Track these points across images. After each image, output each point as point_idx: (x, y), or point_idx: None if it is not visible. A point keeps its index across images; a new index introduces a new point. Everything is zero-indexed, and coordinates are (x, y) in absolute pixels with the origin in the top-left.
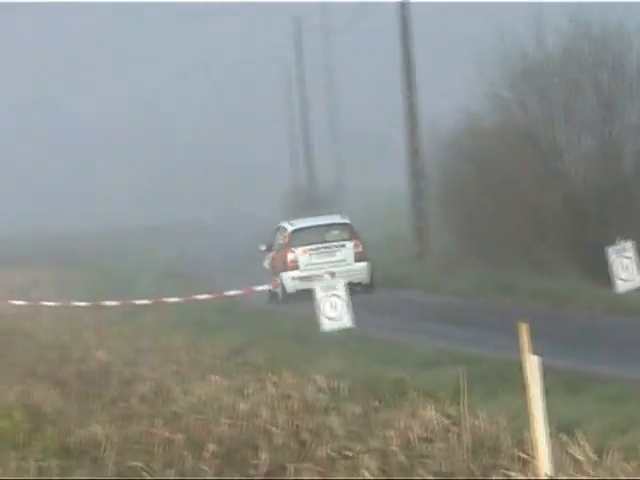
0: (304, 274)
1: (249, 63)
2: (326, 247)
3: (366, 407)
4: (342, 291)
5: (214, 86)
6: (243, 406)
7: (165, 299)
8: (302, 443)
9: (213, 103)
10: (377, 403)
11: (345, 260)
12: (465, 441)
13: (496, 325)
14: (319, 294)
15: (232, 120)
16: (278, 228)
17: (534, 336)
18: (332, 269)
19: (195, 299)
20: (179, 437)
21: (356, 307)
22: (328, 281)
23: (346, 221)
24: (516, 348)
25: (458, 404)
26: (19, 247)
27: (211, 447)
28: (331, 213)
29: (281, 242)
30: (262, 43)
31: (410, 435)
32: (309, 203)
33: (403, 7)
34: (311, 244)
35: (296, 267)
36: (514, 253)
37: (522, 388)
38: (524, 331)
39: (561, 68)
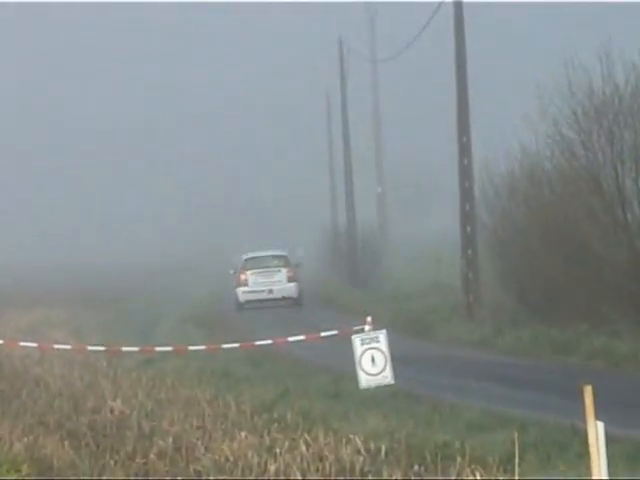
0: (252, 289)
1: (287, 88)
2: (268, 271)
3: (407, 472)
4: (384, 345)
5: (253, 116)
6: (272, 467)
7: (188, 346)
8: None
9: (250, 134)
10: (420, 468)
11: (281, 281)
12: None
13: (552, 386)
14: (358, 348)
15: (266, 154)
16: (239, 257)
17: (593, 399)
18: (271, 287)
19: (221, 347)
20: None
21: (399, 363)
22: (368, 334)
23: (284, 253)
24: (573, 412)
25: (507, 472)
26: (31, 283)
27: None
28: (366, 257)
29: (239, 267)
30: (302, 67)
31: None
32: (348, 246)
33: (457, 7)
34: (258, 268)
35: (246, 284)
36: (573, 309)
37: (578, 455)
38: (588, 394)
39: (631, 107)
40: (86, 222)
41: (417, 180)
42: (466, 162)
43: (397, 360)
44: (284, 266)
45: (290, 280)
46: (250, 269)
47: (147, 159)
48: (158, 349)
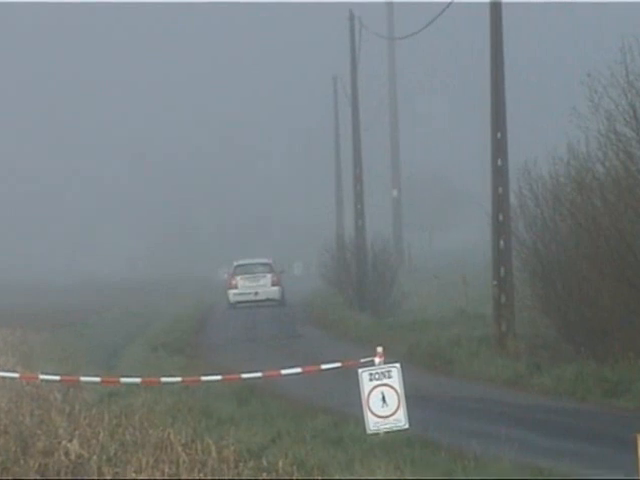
0: (241, 291)
1: (294, 74)
2: (254, 276)
3: None
4: (397, 381)
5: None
6: None
7: (161, 378)
8: None
9: (248, 127)
10: None
11: (265, 285)
12: None
13: (599, 435)
14: (366, 384)
15: (266, 150)
16: (231, 264)
17: None
18: (257, 290)
19: (200, 380)
20: None
21: (415, 403)
22: (379, 367)
23: (269, 261)
24: (624, 465)
25: None
26: None
27: None
28: (377, 274)
29: (231, 272)
30: (311, 54)
31: None
32: (356, 260)
33: (494, 8)
34: (246, 274)
35: (236, 287)
36: (626, 343)
37: None
38: None
39: None
40: (62, 236)
41: (439, 183)
42: (500, 163)
43: (413, 400)
44: (269, 272)
45: (274, 284)
46: (239, 274)
47: (139, 171)
48: (124, 380)
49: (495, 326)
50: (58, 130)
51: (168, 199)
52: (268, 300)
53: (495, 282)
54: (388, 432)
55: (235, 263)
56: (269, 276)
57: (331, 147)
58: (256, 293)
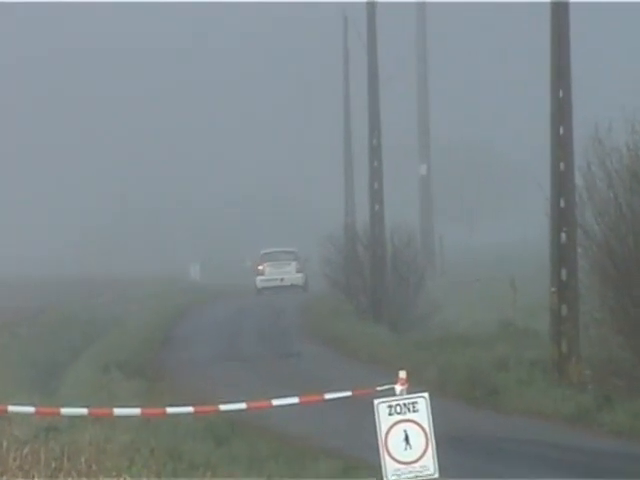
0: (267, 277)
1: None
2: (280, 263)
3: None
4: (424, 416)
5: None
6: None
7: (113, 409)
8: None
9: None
10: None
11: (291, 272)
12: None
13: None
14: (384, 419)
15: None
16: (257, 252)
17: None
18: (283, 276)
19: (165, 412)
20: None
21: (448, 445)
22: (401, 398)
23: (293, 250)
24: None
25: None
26: None
27: None
28: (398, 276)
29: (257, 259)
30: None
31: None
32: (371, 258)
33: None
34: (272, 261)
35: (263, 274)
36: None
37: None
38: None
39: None
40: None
41: (482, 157)
42: (562, 131)
43: (445, 441)
44: (294, 260)
45: (298, 271)
46: (266, 261)
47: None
48: (65, 411)
49: (553, 346)
50: None
51: (123, 175)
52: (293, 286)
53: (554, 288)
54: None
55: (262, 251)
56: (294, 263)
57: (339, 107)
58: (282, 279)
